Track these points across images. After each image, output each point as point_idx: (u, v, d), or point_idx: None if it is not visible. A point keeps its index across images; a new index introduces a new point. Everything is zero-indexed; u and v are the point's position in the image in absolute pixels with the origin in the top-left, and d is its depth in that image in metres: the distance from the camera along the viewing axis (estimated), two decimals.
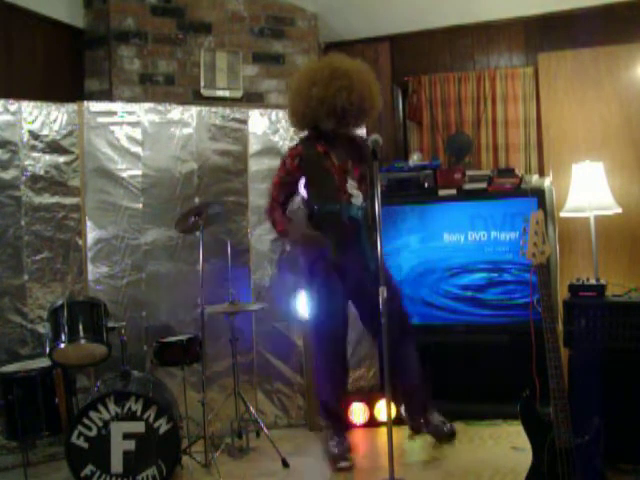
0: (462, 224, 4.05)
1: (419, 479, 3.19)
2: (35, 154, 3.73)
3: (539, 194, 3.86)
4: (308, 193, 3.45)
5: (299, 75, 3.48)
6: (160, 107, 3.99)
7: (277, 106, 4.46)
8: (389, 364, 2.70)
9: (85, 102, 3.89)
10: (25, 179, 3.71)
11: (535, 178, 4.22)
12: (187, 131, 4.01)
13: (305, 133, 3.51)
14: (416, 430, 3.62)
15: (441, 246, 4.09)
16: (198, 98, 4.43)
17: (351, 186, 3.35)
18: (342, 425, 3.52)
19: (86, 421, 3.03)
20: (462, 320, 4.04)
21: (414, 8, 4.59)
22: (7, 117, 3.67)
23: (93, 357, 3.31)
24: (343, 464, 3.34)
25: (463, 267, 4.04)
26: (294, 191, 3.48)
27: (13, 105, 3.68)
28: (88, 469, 3.03)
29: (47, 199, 3.76)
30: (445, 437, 3.48)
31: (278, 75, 4.65)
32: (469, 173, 4.17)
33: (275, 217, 3.44)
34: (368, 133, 3.83)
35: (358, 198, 3.35)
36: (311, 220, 3.44)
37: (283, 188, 3.45)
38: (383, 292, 2.69)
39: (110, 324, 3.35)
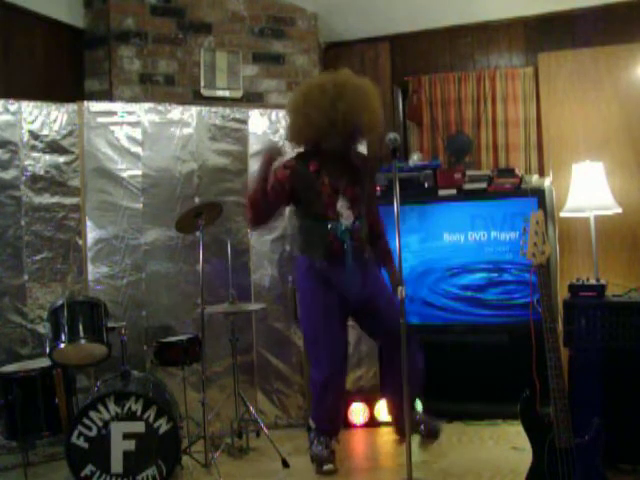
0: (462, 224, 4.06)
1: (419, 479, 3.19)
2: (35, 154, 3.73)
3: (539, 194, 3.86)
4: (296, 208, 3.41)
5: (296, 90, 3.42)
6: (160, 107, 3.99)
7: (277, 106, 4.46)
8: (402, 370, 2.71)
9: (85, 102, 3.89)
10: (25, 179, 3.71)
11: (535, 178, 4.22)
12: (187, 131, 4.01)
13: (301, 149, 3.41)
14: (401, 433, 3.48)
15: (441, 246, 4.09)
16: (198, 98, 4.43)
17: (341, 206, 3.25)
18: (333, 430, 3.42)
19: (86, 421, 3.03)
20: (462, 320, 4.04)
21: (414, 8, 4.58)
22: (7, 117, 3.67)
23: (93, 357, 3.31)
24: (327, 467, 3.29)
25: (463, 267, 4.04)
26: (281, 200, 3.36)
27: (13, 105, 3.69)
28: (88, 469, 3.03)
29: (47, 199, 3.76)
30: (432, 435, 3.47)
31: (278, 75, 4.65)
32: (469, 173, 4.17)
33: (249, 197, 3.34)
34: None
35: (347, 219, 3.26)
36: (300, 232, 3.42)
37: (272, 193, 3.28)
38: (402, 291, 2.68)
39: (110, 324, 3.35)
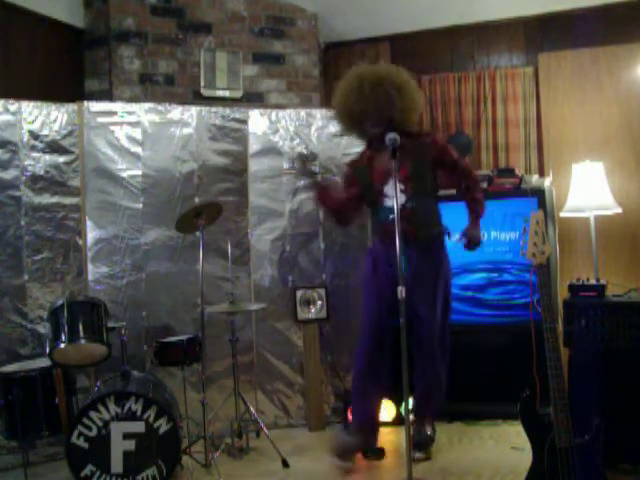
0: (462, 224, 4.04)
1: (419, 479, 3.19)
2: (35, 154, 3.73)
3: (539, 194, 3.86)
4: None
5: (340, 80, 3.47)
6: (160, 107, 3.99)
7: (277, 106, 4.46)
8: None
9: (85, 102, 3.89)
10: (25, 179, 3.71)
11: (535, 178, 4.22)
12: (187, 131, 4.01)
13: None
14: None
15: None
16: (198, 98, 4.43)
17: (390, 187, 3.21)
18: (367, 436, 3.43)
19: (86, 421, 3.03)
20: (462, 320, 4.03)
21: (414, 8, 4.58)
22: (7, 117, 3.67)
23: (93, 357, 3.31)
24: (340, 463, 3.30)
25: (463, 267, 4.03)
26: (357, 200, 3.45)
27: (13, 105, 3.69)
28: (88, 469, 3.03)
29: (47, 199, 3.76)
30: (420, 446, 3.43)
31: (278, 75, 4.65)
32: None
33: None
34: None
35: (394, 199, 3.25)
36: (371, 222, 3.58)
37: (346, 198, 3.45)
38: (401, 292, 2.68)
39: (110, 324, 3.35)
